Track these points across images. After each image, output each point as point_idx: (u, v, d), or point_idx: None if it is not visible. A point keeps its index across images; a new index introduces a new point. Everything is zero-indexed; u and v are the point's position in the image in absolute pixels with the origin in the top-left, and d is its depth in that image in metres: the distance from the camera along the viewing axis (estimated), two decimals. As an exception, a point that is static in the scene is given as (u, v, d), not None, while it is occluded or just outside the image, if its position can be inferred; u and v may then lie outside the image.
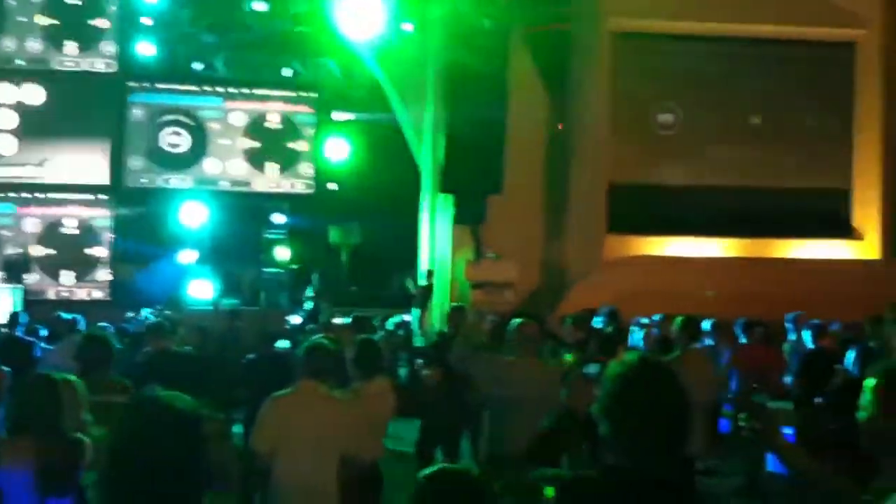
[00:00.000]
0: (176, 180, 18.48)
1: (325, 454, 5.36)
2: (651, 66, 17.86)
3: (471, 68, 15.25)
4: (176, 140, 18.47)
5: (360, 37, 15.67)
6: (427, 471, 2.55)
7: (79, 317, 10.29)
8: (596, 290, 15.30)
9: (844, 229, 18.10)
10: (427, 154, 16.59)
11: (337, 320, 10.68)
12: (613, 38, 17.00)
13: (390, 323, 13.70)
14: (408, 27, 16.05)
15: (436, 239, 16.60)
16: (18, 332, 9.85)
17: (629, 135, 17.66)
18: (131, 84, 18.37)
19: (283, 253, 18.63)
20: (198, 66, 18.65)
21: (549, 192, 17.01)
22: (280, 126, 18.79)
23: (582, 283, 16.06)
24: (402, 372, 11.45)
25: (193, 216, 17.87)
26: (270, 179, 18.75)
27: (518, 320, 6.82)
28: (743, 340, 9.24)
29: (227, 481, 7.68)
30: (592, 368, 2.81)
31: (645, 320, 11.00)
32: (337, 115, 19.02)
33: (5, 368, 5.97)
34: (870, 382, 2.60)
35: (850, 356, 6.70)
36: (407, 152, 17.40)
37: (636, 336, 10.26)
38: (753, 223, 17.53)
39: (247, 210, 18.76)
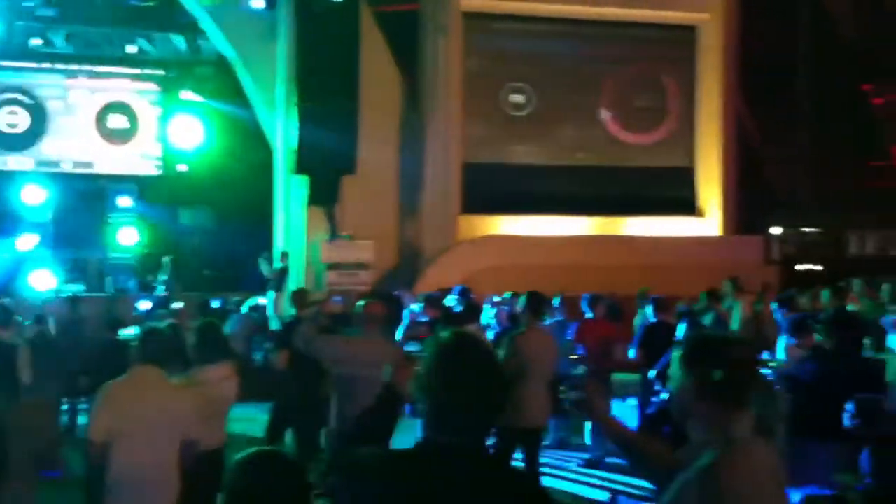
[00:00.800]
0: (14, 161, 17.61)
1: (162, 442, 5.21)
2: (502, 46, 18.12)
3: (322, 47, 15.06)
4: (13, 119, 17.60)
5: None
6: (240, 454, 2.50)
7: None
8: (450, 269, 15.48)
9: (689, 207, 18.85)
10: (280, 135, 16.34)
11: (177, 305, 10.38)
12: (464, 19, 17.11)
13: (245, 306, 13.45)
14: (258, 3, 15.70)
15: (291, 221, 16.40)
16: None
17: (481, 115, 17.88)
18: (-37, 61, 17.40)
19: (130, 236, 18.00)
20: (37, 42, 17.73)
21: (404, 173, 17.04)
22: (125, 104, 18.14)
23: (437, 263, 16.20)
24: (258, 356, 11.31)
25: (34, 199, 17.08)
26: (116, 160, 18.09)
27: (363, 301, 6.82)
28: (589, 315, 9.46)
29: (55, 464, 7.39)
30: (413, 346, 2.82)
31: (497, 298, 11.19)
32: (185, 95, 18.44)
33: None
34: (676, 353, 2.69)
35: (682, 329, 6.97)
36: (260, 132, 17.09)
37: (488, 314, 10.42)
38: (603, 201, 18.06)
39: (91, 192, 18.05)
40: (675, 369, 2.70)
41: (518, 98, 18.04)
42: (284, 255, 15.56)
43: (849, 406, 5.20)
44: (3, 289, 14.91)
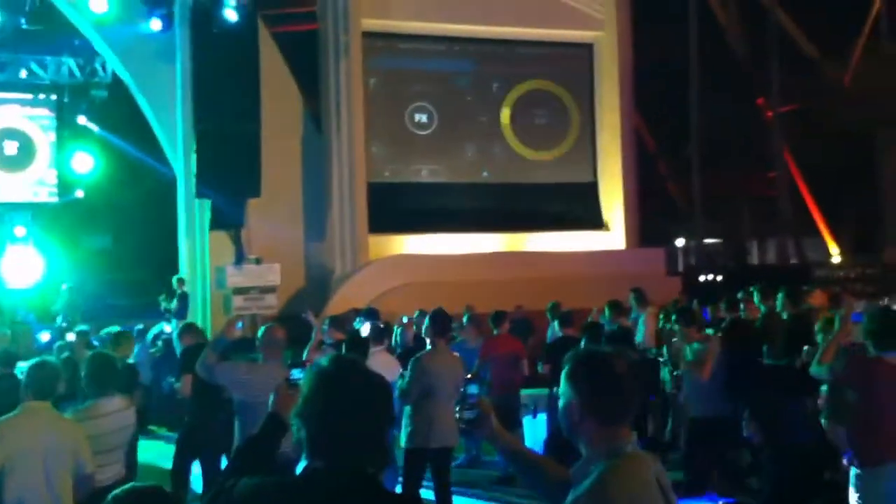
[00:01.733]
0: None
1: (55, 477, 5.08)
2: (403, 66, 18.20)
3: (220, 69, 14.87)
4: None
5: None
6: (116, 491, 2.43)
7: None
8: (360, 290, 15.40)
9: (594, 221, 19.14)
10: (181, 158, 16.04)
11: (71, 336, 10.06)
12: (364, 39, 17.10)
13: (150, 334, 13.14)
14: (155, 25, 15.40)
15: (195, 245, 16.09)
16: None
17: (385, 134, 17.90)
18: None
19: (26, 267, 17.41)
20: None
21: (309, 194, 16.91)
22: (19, 130, 17.59)
23: (346, 284, 16.10)
24: (165, 384, 11.06)
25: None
26: (11, 188, 17.52)
27: (266, 325, 6.75)
28: (495, 331, 9.50)
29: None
30: (296, 373, 2.76)
31: (406, 319, 11.15)
32: (80, 119, 17.99)
33: None
34: (564, 368, 2.69)
35: (583, 343, 7.02)
36: (160, 156, 16.76)
37: (396, 334, 10.37)
38: (509, 218, 18.24)
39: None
40: (562, 386, 2.71)
41: (421, 117, 18.13)
42: (181, 282, 15.29)
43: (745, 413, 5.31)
44: None
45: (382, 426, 2.41)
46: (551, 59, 19.11)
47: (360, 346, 7.37)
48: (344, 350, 7.12)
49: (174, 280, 15.42)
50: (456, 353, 7.58)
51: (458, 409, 2.97)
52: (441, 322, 7.22)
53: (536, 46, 18.94)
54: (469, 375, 6.28)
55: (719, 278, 19.79)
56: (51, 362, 5.46)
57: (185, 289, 15.13)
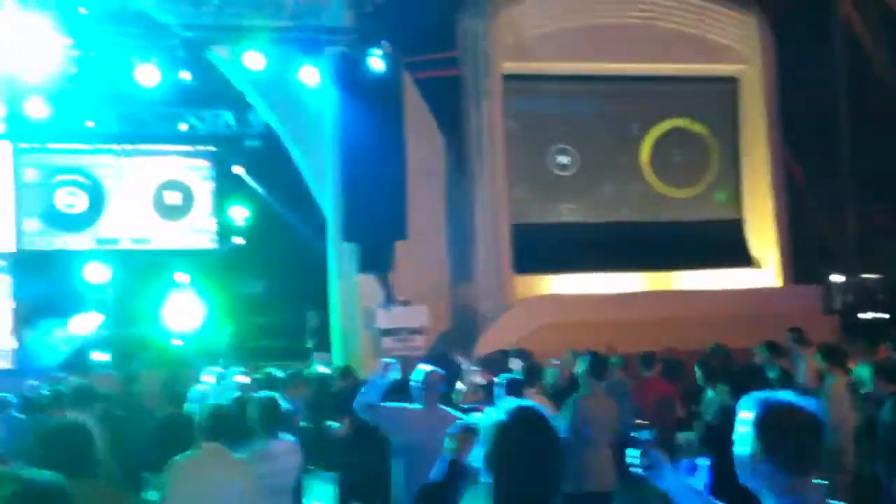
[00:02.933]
0: (75, 241, 18.03)
1: (229, 517, 5.28)
2: (543, 107, 18.28)
3: (366, 116, 15.33)
4: (72, 200, 18.06)
5: None
6: None
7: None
8: (506, 331, 15.45)
9: (741, 259, 18.66)
10: (330, 203, 16.57)
11: (241, 378, 10.47)
12: (504, 81, 17.29)
13: (305, 374, 13.53)
14: (308, 77, 15.99)
15: (345, 288, 16.53)
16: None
17: (526, 176, 17.99)
18: (21, 145, 17.92)
19: (188, 311, 18.25)
20: (90, 123, 18.26)
21: (453, 236, 17.13)
22: (179, 181, 18.54)
23: (492, 324, 16.18)
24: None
25: (96, 277, 17.45)
26: (172, 236, 18.45)
27: (423, 369, 6.86)
28: (646, 374, 9.38)
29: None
30: (472, 417, 2.82)
31: (556, 360, 11.11)
32: (236, 168, 18.83)
33: None
34: (745, 414, 2.66)
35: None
36: (312, 202, 17.34)
37: (549, 375, 10.35)
38: (653, 256, 17.97)
39: (149, 268, 18.37)
40: (743, 432, 2.68)
41: (562, 158, 18.18)
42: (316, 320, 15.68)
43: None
44: (67, 368, 15.18)
45: (563, 475, 2.46)
46: (692, 94, 18.87)
47: (514, 388, 7.40)
48: (497, 391, 7.17)
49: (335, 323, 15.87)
50: (611, 397, 7.54)
51: (631, 454, 2.98)
52: (597, 364, 7.20)
53: (677, 82, 18.73)
54: (639, 421, 6.24)
55: (882, 316, 18.89)
56: (224, 404, 5.73)
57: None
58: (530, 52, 17.62)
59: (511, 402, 2.56)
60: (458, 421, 6.32)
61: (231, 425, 5.59)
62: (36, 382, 12.01)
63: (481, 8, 17.19)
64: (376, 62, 15.33)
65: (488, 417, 2.57)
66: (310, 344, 15.74)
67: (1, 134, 17.73)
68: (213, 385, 12.54)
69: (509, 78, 17.46)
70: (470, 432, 3.04)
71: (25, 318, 17.73)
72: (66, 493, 2.17)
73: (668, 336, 13.74)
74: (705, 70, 18.66)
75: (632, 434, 3.10)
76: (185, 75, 16.29)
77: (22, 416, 9.61)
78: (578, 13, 17.80)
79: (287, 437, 6.09)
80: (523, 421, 2.45)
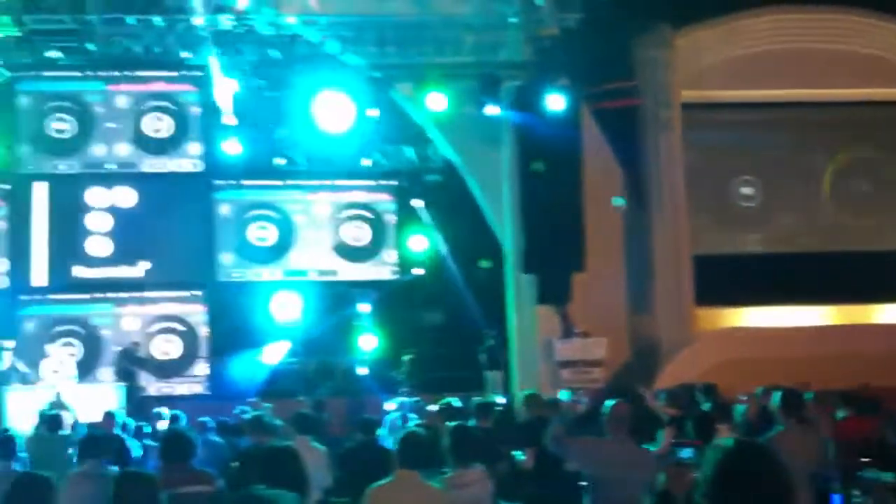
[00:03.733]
0: (266, 273, 18.91)
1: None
2: (722, 137, 17.91)
3: (543, 147, 15.46)
4: (263, 234, 18.96)
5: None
6: None
7: (180, 413, 10.52)
8: (688, 364, 15.16)
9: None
10: (508, 235, 16.75)
11: (432, 407, 10.70)
12: (683, 110, 17.05)
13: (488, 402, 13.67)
14: (493, 110, 16.26)
15: (522, 320, 16.64)
16: (116, 431, 10.14)
17: (707, 206, 17.64)
18: (217, 182, 18.98)
19: (370, 341, 18.81)
20: (280, 161, 19.19)
21: (632, 267, 16.96)
22: (362, 214, 19.16)
23: (674, 358, 15.89)
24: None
25: (285, 308, 18.23)
26: (356, 268, 19.07)
27: (611, 401, 6.83)
28: (842, 412, 8.99)
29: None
30: (686, 453, 2.80)
31: (743, 396, 10.78)
32: (416, 202, 19.32)
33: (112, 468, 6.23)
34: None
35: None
36: (489, 234, 17.57)
37: (738, 412, 10.06)
38: (842, 289, 17.20)
39: (334, 299, 19.03)
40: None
41: (744, 189, 17.75)
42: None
43: None
44: (259, 395, 15.93)
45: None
46: (876, 120, 18.06)
47: (705, 424, 7.26)
48: (692, 429, 7.06)
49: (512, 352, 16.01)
50: (807, 435, 7.27)
51: (856, 494, 2.92)
52: (791, 399, 6.97)
53: (860, 108, 17.96)
54: (864, 460, 6.01)
55: None
56: (418, 431, 5.89)
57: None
58: (709, 81, 17.34)
59: (731, 439, 2.54)
60: (651, 452, 6.29)
61: (425, 453, 5.73)
62: (236, 408, 12.63)
63: (659, 36, 17.07)
64: (554, 96, 15.45)
65: (707, 453, 2.56)
66: (487, 377, 15.88)
67: (198, 172, 18.85)
68: (396, 413, 12.88)
69: (688, 107, 17.22)
70: (682, 467, 3.03)
71: (219, 346, 18.69)
72: None
73: (860, 372, 13.12)
74: (890, 95, 17.81)
75: (858, 474, 3.03)
76: (373, 113, 16.96)
77: (219, 439, 10.17)
78: (757, 39, 17.42)
79: (478, 466, 6.19)
80: (747, 457, 2.43)
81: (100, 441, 7.01)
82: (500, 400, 14.30)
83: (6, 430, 8.47)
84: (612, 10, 15.48)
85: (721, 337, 16.25)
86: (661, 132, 16.83)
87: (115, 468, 6.61)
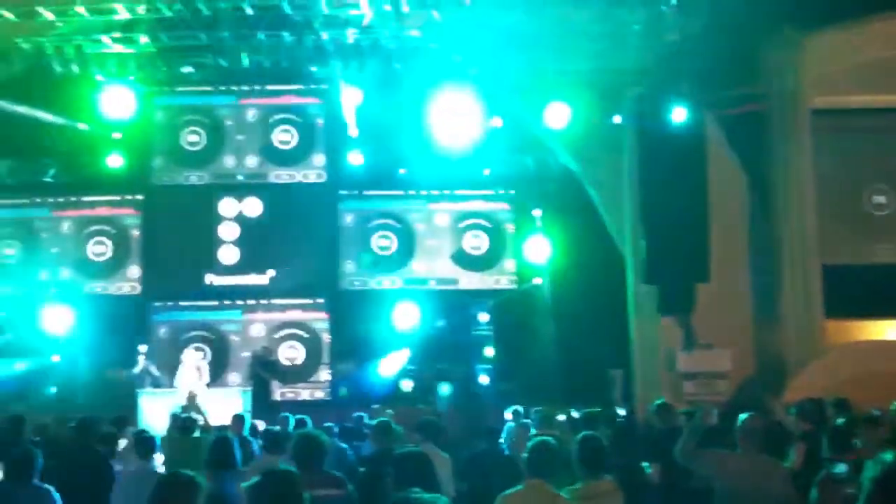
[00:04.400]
0: (387, 281, 19.21)
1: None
2: (856, 141, 17.27)
3: (666, 155, 15.22)
4: (385, 243, 19.28)
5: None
6: None
7: (306, 417, 10.78)
8: (817, 378, 14.62)
9: None
10: (628, 244, 16.56)
11: (560, 417, 10.68)
12: (814, 116, 16.54)
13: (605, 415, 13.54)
14: (610, 116, 16.15)
15: (644, 330, 16.41)
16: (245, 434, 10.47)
17: (838, 214, 17.03)
18: (341, 192, 19.40)
19: (488, 350, 18.91)
20: (402, 171, 19.50)
21: (757, 277, 16.52)
22: (482, 223, 19.28)
23: (803, 372, 15.39)
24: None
25: (405, 316, 18.49)
26: (475, 277, 19.19)
27: (744, 415, 6.70)
28: None
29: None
30: (840, 468, 2.71)
31: (877, 412, 10.38)
32: (535, 211, 19.32)
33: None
34: None
35: None
36: (610, 243, 17.41)
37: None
38: None
39: (453, 308, 19.19)
40: None
41: (878, 198, 17.10)
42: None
43: None
44: (379, 401, 16.19)
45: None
46: None
47: (840, 441, 7.05)
48: (827, 444, 6.86)
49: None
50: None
51: None
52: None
53: None
54: None
55: None
56: (550, 442, 5.89)
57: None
58: (840, 85, 16.75)
59: (891, 454, 2.46)
60: (784, 467, 6.13)
61: (554, 462, 5.74)
62: (359, 414, 12.87)
63: (786, 39, 16.58)
64: (679, 111, 15.22)
65: (867, 469, 2.49)
66: (609, 387, 15.73)
67: (323, 182, 19.31)
68: (514, 423, 12.89)
69: (818, 112, 16.69)
70: (837, 483, 2.96)
71: (340, 352, 19.08)
72: None
73: None
74: None
75: None
76: (495, 122, 17.05)
77: (343, 444, 10.37)
78: (890, 42, 16.74)
79: (608, 478, 6.15)
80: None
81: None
82: (621, 411, 14.17)
83: (144, 431, 8.81)
84: (738, 14, 15.14)
85: (852, 350, 15.64)
86: (790, 138, 16.34)
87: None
